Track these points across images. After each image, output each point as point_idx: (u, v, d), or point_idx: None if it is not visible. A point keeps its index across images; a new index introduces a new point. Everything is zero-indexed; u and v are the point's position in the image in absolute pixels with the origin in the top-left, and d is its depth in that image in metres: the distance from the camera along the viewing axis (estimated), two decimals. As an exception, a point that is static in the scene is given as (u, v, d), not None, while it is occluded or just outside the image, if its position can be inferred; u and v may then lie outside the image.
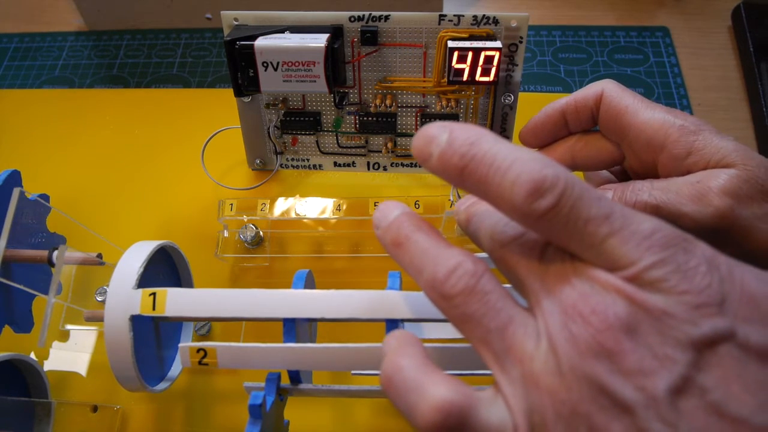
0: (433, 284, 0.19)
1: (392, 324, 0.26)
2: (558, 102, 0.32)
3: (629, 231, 0.17)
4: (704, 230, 0.26)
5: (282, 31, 0.34)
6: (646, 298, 0.17)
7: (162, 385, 0.31)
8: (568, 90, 0.49)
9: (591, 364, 0.16)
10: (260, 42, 0.32)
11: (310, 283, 0.30)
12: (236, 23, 0.35)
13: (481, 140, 0.19)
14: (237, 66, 0.33)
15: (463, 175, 0.19)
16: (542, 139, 0.33)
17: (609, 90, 0.30)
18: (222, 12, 0.35)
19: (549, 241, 0.19)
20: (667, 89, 0.48)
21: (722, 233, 0.25)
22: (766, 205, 0.25)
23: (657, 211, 0.27)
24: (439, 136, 0.19)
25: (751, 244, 0.26)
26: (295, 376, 0.27)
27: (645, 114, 0.28)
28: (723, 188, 0.25)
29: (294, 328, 0.26)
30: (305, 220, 0.38)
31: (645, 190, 0.27)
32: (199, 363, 0.26)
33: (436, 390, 0.18)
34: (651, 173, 0.29)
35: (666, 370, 0.16)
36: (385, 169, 0.41)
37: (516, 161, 0.18)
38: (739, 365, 0.16)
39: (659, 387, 0.16)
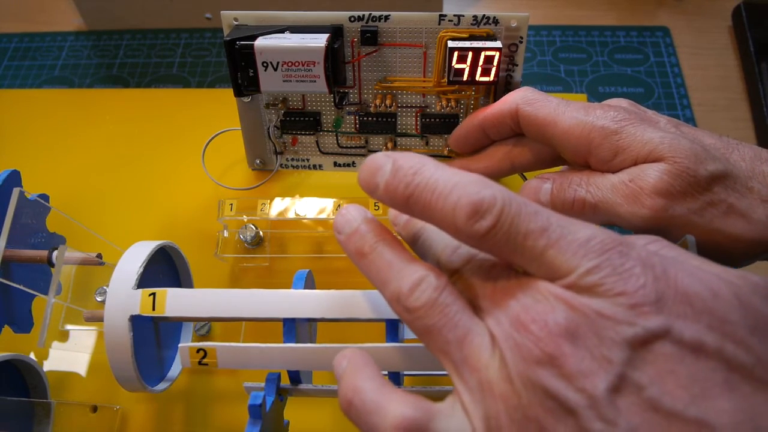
0: (398, 298, 0.20)
1: (392, 324, 0.26)
2: (476, 117, 0.33)
3: (566, 241, 0.18)
4: (643, 230, 0.26)
5: (282, 31, 0.34)
6: (584, 302, 0.17)
7: (162, 386, 0.31)
8: (569, 90, 0.49)
9: (535, 370, 0.17)
10: (260, 42, 0.32)
11: (310, 283, 0.30)
12: (236, 23, 0.35)
13: (423, 168, 0.20)
14: (237, 66, 0.33)
15: (409, 203, 0.20)
16: (468, 148, 0.34)
17: (523, 105, 0.30)
18: (222, 12, 0.35)
19: (496, 261, 0.20)
20: (668, 89, 0.48)
21: (661, 232, 0.25)
22: (700, 197, 0.25)
23: (595, 209, 0.27)
24: (384, 167, 0.20)
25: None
26: (295, 376, 0.27)
27: (563, 123, 0.28)
28: (654, 188, 0.25)
29: (294, 328, 0.26)
30: (305, 220, 0.38)
31: (582, 185, 0.28)
32: (199, 363, 0.26)
33: (395, 408, 0.19)
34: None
35: (603, 370, 0.16)
36: (385, 169, 0.41)
37: (456, 186, 0.19)
38: (672, 361, 0.16)
39: (599, 387, 0.16)
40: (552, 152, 0.31)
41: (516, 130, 0.31)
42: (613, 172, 0.27)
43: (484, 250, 0.19)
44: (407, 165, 0.20)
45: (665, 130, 0.27)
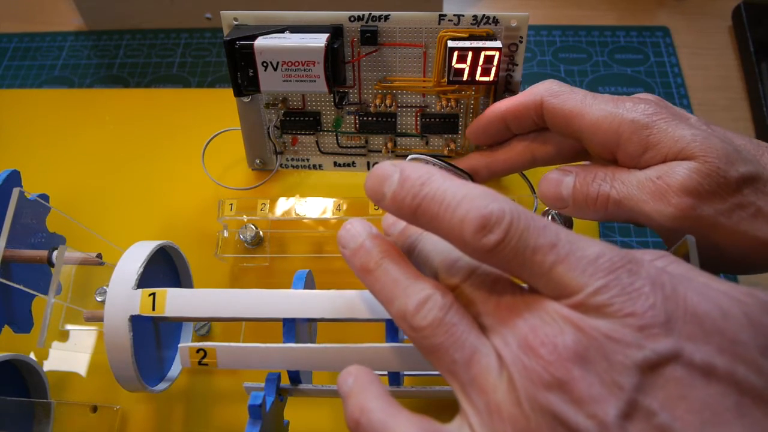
0: (404, 316, 0.20)
1: (392, 324, 0.26)
2: (499, 107, 0.32)
3: (575, 258, 0.18)
4: (667, 229, 0.25)
5: (282, 31, 0.34)
6: (592, 324, 0.17)
7: (162, 386, 0.31)
8: (569, 90, 0.49)
9: (544, 395, 0.17)
10: (260, 42, 0.32)
11: (310, 283, 0.30)
12: (236, 23, 0.35)
13: (431, 179, 0.19)
14: (237, 66, 0.33)
15: (416, 215, 0.19)
16: (488, 140, 0.34)
17: (548, 97, 0.29)
18: (222, 12, 0.35)
19: (498, 276, 0.20)
20: (668, 89, 0.48)
21: (685, 232, 0.24)
22: (729, 198, 0.24)
23: (619, 205, 0.26)
24: (391, 176, 0.20)
25: (717, 239, 0.25)
26: (295, 377, 0.27)
27: (591, 115, 0.27)
28: (682, 187, 0.24)
29: (294, 328, 0.26)
30: (305, 220, 0.38)
31: (607, 180, 0.27)
32: (199, 363, 0.26)
33: (403, 430, 0.19)
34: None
35: (614, 396, 0.16)
36: (385, 169, 0.41)
37: (464, 199, 0.18)
38: (683, 385, 0.16)
39: (609, 414, 0.16)
40: (574, 146, 0.30)
41: (539, 123, 0.30)
42: (641, 168, 0.26)
43: (491, 264, 0.19)
44: (415, 175, 0.20)
45: (697, 127, 0.26)
